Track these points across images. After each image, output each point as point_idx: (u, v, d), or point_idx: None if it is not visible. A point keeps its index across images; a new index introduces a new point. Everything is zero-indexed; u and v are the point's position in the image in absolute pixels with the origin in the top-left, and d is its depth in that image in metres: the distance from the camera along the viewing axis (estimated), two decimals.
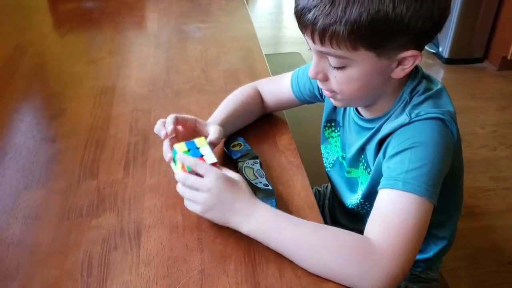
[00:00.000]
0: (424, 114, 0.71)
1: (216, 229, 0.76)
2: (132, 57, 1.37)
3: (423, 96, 0.75)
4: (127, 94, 1.16)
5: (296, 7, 0.70)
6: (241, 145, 0.94)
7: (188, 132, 0.87)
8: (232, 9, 1.71)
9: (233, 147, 0.94)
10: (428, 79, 0.79)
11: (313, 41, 0.70)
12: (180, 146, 0.80)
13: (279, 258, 0.71)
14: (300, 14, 0.69)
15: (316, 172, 1.09)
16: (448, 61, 2.97)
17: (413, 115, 0.72)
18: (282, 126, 1.04)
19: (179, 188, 0.75)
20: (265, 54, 1.37)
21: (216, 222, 0.74)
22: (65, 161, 0.93)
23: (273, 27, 3.80)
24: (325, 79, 0.75)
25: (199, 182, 0.73)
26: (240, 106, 0.98)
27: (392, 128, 0.74)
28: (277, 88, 1.01)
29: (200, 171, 0.73)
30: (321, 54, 0.72)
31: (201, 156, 0.78)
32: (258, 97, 1.02)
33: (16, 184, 0.87)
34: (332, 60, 0.71)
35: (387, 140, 0.76)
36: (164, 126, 0.83)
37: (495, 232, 1.84)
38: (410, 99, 0.75)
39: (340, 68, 0.71)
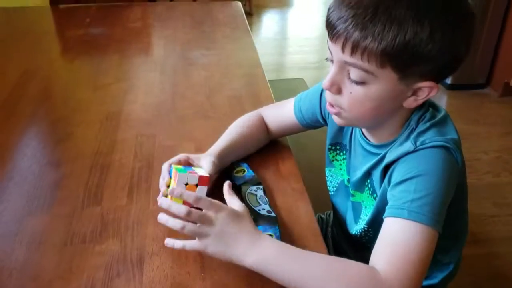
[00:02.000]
0: (430, 142, 0.72)
1: None
2: (138, 83, 1.39)
3: (428, 124, 0.75)
4: (132, 120, 1.18)
5: (329, 15, 0.70)
6: (244, 171, 0.95)
7: None
8: (236, 36, 1.74)
9: (236, 173, 0.95)
10: (433, 106, 0.80)
11: (342, 51, 0.69)
12: (180, 177, 0.81)
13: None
14: (334, 23, 0.69)
15: (319, 199, 1.09)
16: (451, 87, 2.99)
17: (418, 143, 0.72)
18: (285, 151, 1.04)
19: (176, 223, 0.72)
20: (269, 80, 1.39)
21: (218, 257, 0.71)
22: (70, 186, 0.94)
23: (277, 53, 3.84)
24: (338, 92, 0.74)
25: (202, 215, 0.71)
26: (243, 135, 0.98)
27: (397, 155, 0.74)
28: (280, 113, 1.02)
29: (203, 206, 0.72)
30: (343, 66, 0.71)
31: (192, 170, 0.80)
32: (262, 125, 1.02)
33: (20, 209, 0.88)
34: (355, 73, 0.70)
35: (392, 167, 0.76)
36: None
37: (500, 258, 1.82)
38: (416, 126, 0.76)
39: (359, 83, 0.71)
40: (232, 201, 0.78)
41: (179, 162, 0.88)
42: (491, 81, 3.00)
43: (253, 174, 0.94)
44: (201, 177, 0.81)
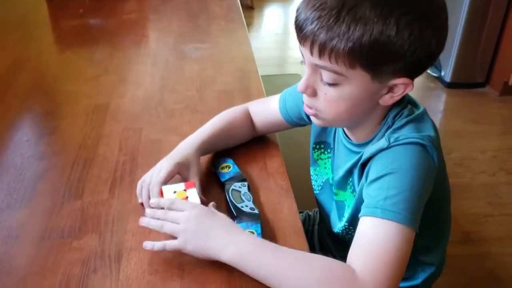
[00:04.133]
0: (403, 138, 0.71)
1: None
2: (128, 76, 1.37)
3: (404, 120, 0.74)
4: (120, 113, 1.16)
5: (297, 17, 0.70)
6: (230, 167, 0.93)
7: None
8: (231, 30, 1.72)
9: (221, 169, 0.93)
10: (412, 103, 0.78)
11: (311, 53, 0.69)
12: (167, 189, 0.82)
13: (261, 285, 0.69)
14: (301, 25, 0.68)
15: (308, 196, 1.08)
16: (450, 85, 2.97)
17: (392, 140, 0.71)
18: (273, 148, 1.03)
19: (156, 222, 0.74)
20: (268, 75, 1.38)
21: (197, 255, 0.72)
22: (51, 180, 0.92)
23: (278, 48, 3.82)
24: (314, 95, 0.74)
25: (178, 215, 0.73)
26: (225, 128, 0.97)
27: (372, 152, 0.73)
28: (267, 110, 1.01)
29: (178, 208, 0.74)
30: (315, 68, 0.71)
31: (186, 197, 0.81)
32: (248, 120, 1.01)
33: None
34: (326, 75, 0.70)
35: (368, 165, 0.75)
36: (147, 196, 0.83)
37: (492, 259, 1.81)
38: (393, 123, 0.75)
39: (332, 85, 0.70)
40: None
41: (170, 176, 0.85)
42: (491, 80, 2.98)
43: (238, 170, 0.92)
44: (186, 183, 0.83)
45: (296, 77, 2.65)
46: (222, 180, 0.90)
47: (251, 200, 0.85)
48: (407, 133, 0.72)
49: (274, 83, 1.92)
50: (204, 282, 0.71)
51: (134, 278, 0.71)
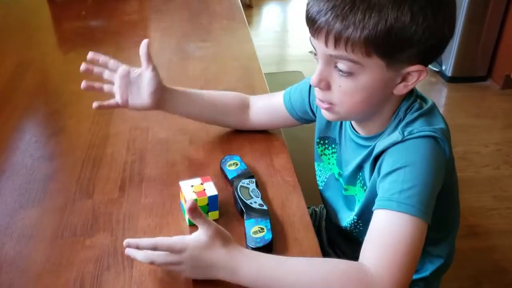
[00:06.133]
0: (417, 132, 0.72)
1: None
2: None
3: (416, 114, 0.75)
4: (126, 113, 1.16)
5: (308, 10, 0.70)
6: (237, 164, 0.94)
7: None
8: (233, 28, 1.73)
9: (229, 166, 0.94)
10: (421, 98, 0.79)
11: (326, 45, 0.69)
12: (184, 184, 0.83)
13: None
14: (314, 17, 0.68)
15: (314, 191, 1.08)
16: (452, 80, 2.97)
17: (406, 133, 0.72)
18: (279, 144, 1.03)
19: (144, 258, 0.69)
20: (268, 73, 1.38)
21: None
22: (62, 180, 0.93)
23: (277, 46, 3.82)
24: (327, 88, 0.74)
25: (167, 259, 0.68)
26: (211, 98, 0.99)
27: (385, 145, 0.74)
28: (270, 101, 1.02)
29: (165, 251, 0.68)
30: (329, 61, 0.71)
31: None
32: (241, 107, 1.01)
33: (12, 203, 0.87)
34: (342, 65, 0.70)
35: (381, 158, 0.76)
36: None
37: (499, 252, 1.82)
38: (404, 117, 0.76)
39: (348, 75, 0.70)
40: (199, 223, 0.69)
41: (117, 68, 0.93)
42: (492, 74, 2.98)
43: (246, 167, 0.93)
44: (203, 178, 0.84)
45: (296, 74, 2.67)
46: (230, 177, 0.91)
47: (260, 197, 0.86)
48: (419, 127, 0.73)
49: (275, 81, 1.93)
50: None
51: (147, 275, 0.72)
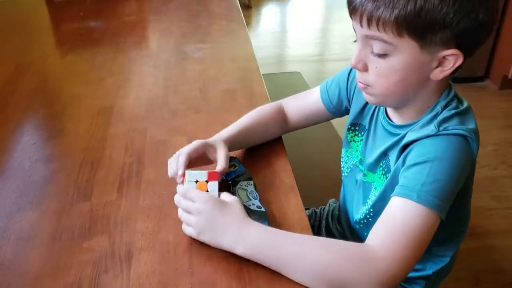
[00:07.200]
0: (452, 129, 0.73)
1: (207, 253, 0.75)
2: (132, 77, 1.38)
3: (453, 111, 0.76)
4: (124, 114, 1.17)
5: None
6: (235, 166, 0.94)
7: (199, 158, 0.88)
8: (232, 30, 1.73)
9: None
10: (458, 99, 0.81)
11: (361, 25, 0.72)
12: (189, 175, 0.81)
13: (271, 280, 0.70)
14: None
15: (314, 193, 1.08)
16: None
17: (441, 128, 0.73)
18: (278, 146, 1.03)
19: (179, 211, 0.78)
20: (267, 73, 1.39)
21: (211, 245, 0.75)
22: (60, 182, 0.93)
23: (276, 46, 3.82)
24: (365, 69, 0.76)
25: (191, 205, 0.76)
26: (252, 126, 0.99)
27: (417, 136, 0.75)
28: (305, 101, 1.03)
29: (190, 198, 0.76)
30: (366, 41, 0.74)
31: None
32: (279, 115, 1.03)
33: (9, 205, 0.87)
34: (376, 46, 0.72)
35: (409, 148, 0.76)
36: (176, 168, 0.83)
37: (497, 252, 1.82)
38: (441, 112, 0.77)
39: (382, 56, 0.73)
40: (222, 194, 0.80)
41: (196, 151, 0.86)
42: (490, 74, 2.99)
43: (244, 169, 0.93)
44: (210, 173, 0.81)
45: (295, 75, 2.66)
46: (228, 179, 0.91)
47: (258, 198, 0.86)
48: (455, 125, 0.74)
49: (274, 81, 1.93)
50: (214, 280, 0.72)
51: (145, 277, 0.72)
